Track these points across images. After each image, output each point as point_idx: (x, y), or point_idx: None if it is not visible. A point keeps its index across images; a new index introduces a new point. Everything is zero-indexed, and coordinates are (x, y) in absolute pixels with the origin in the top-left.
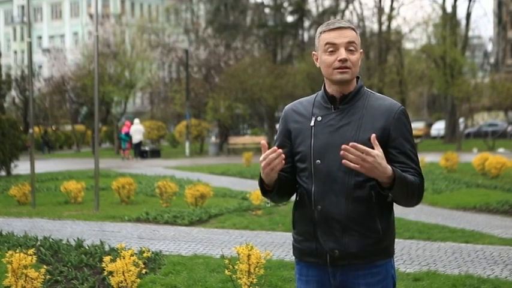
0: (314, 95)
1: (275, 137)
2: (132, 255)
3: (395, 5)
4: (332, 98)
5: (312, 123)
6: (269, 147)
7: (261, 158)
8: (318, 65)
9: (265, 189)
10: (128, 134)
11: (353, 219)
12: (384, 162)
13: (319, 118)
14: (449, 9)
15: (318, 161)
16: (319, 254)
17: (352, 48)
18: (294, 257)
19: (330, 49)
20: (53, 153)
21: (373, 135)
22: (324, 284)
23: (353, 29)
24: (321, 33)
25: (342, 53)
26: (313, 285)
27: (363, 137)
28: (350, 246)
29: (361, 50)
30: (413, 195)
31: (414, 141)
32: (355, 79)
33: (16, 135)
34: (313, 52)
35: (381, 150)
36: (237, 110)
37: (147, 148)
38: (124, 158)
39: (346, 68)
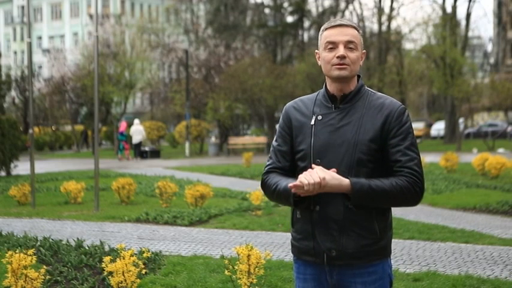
0: (316, 93)
1: (276, 135)
2: (132, 255)
3: (395, 5)
4: (333, 97)
5: (313, 122)
6: (268, 146)
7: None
8: (319, 63)
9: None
10: (123, 134)
11: (351, 220)
12: (332, 181)
13: (320, 117)
14: (449, 10)
15: (318, 160)
16: (317, 253)
17: (351, 46)
18: (292, 255)
19: (330, 46)
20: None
21: (333, 169)
22: (321, 282)
23: (355, 27)
24: (323, 30)
25: (341, 50)
26: (311, 283)
27: (363, 137)
28: (347, 247)
29: (364, 51)
30: (392, 200)
31: (415, 140)
32: (355, 78)
33: (16, 136)
34: (316, 51)
35: (329, 172)
36: (237, 110)
37: (147, 148)
38: (123, 159)
39: (345, 64)
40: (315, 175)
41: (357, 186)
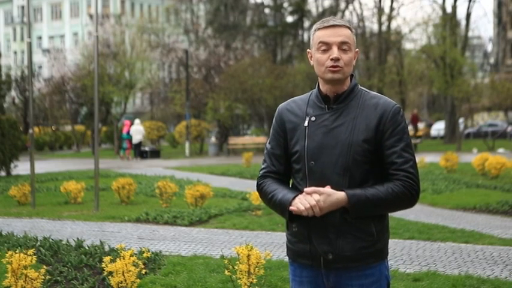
0: (308, 94)
1: (269, 137)
2: (132, 255)
3: (395, 5)
4: (326, 97)
5: (306, 124)
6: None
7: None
8: (311, 63)
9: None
10: (128, 133)
11: (347, 223)
12: (328, 200)
13: (313, 118)
14: (449, 10)
15: (312, 162)
16: (313, 256)
17: (345, 47)
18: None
19: (323, 48)
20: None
21: (328, 186)
22: (317, 284)
23: (348, 27)
24: (315, 30)
25: (335, 52)
26: (307, 286)
27: (357, 138)
28: (344, 250)
29: (357, 50)
30: (389, 206)
31: (410, 140)
32: (348, 78)
33: (16, 136)
34: (308, 50)
35: (326, 190)
36: (237, 110)
37: (147, 148)
38: (124, 158)
39: (338, 67)
40: (310, 199)
41: (353, 199)
